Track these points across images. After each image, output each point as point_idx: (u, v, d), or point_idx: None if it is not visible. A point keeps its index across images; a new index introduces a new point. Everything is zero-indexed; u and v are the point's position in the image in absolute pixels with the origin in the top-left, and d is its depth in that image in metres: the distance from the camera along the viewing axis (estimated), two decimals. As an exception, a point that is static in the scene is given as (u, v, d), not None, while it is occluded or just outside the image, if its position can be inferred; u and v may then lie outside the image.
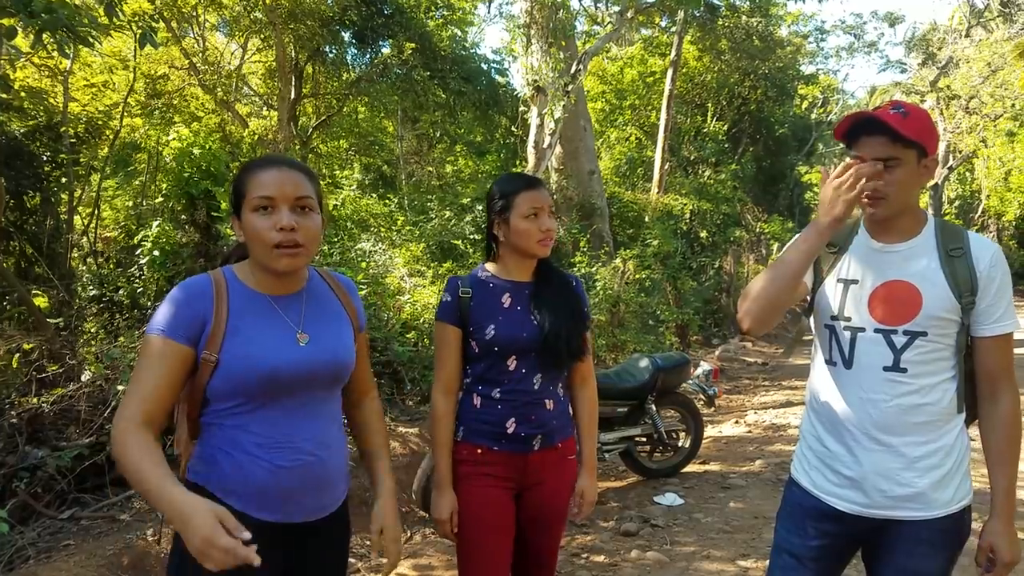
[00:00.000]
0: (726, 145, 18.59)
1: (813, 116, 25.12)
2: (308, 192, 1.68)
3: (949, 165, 27.42)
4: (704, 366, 5.84)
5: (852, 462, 1.88)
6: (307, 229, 1.67)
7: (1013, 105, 22.97)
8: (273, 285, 1.72)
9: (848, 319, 1.90)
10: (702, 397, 5.79)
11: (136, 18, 5.60)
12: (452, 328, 2.21)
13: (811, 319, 2.05)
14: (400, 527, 1.92)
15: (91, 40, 4.52)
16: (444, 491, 2.18)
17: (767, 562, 3.85)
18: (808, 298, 2.02)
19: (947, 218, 29.09)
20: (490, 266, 2.30)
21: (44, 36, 4.12)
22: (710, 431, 6.51)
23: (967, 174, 29.33)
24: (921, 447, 1.82)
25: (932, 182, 27.99)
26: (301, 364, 1.67)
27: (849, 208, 1.76)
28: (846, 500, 1.90)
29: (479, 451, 2.20)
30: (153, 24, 4.92)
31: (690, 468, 5.50)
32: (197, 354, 1.61)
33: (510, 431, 2.18)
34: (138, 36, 4.54)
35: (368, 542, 4.21)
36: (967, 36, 25.77)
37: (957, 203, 30.40)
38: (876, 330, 1.85)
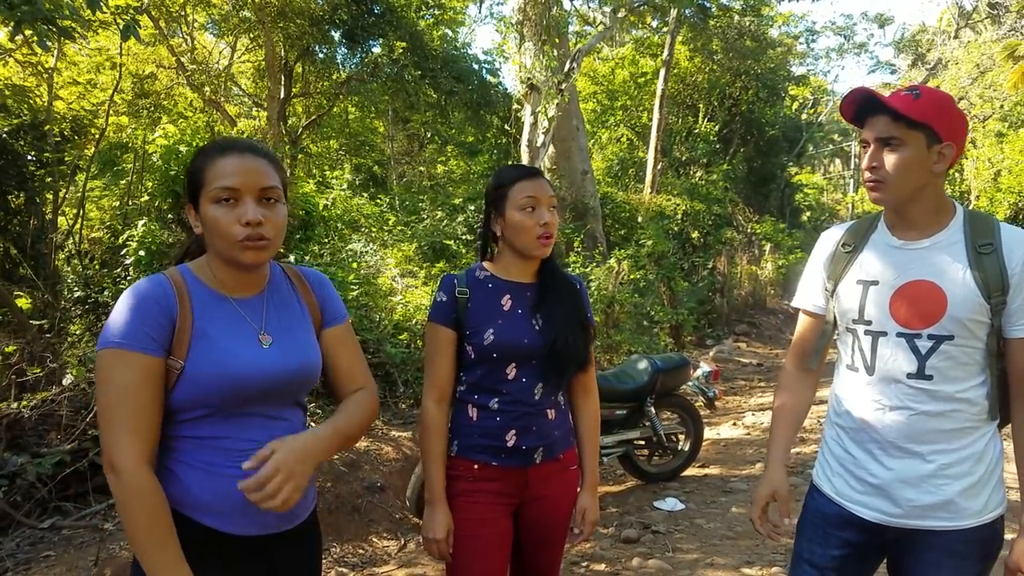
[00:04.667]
0: (717, 146, 18.59)
1: (803, 117, 25.15)
2: (274, 182, 1.55)
3: (939, 166, 27.42)
4: (704, 367, 5.74)
5: (878, 469, 1.77)
6: (274, 222, 1.53)
7: (1002, 106, 23.04)
8: (235, 284, 1.58)
9: (869, 322, 1.78)
10: (702, 399, 5.68)
11: (119, 11, 5.47)
12: (446, 330, 2.03)
13: (832, 324, 1.93)
14: (295, 457, 1.45)
15: (73, 34, 4.40)
16: (438, 507, 1.99)
17: (772, 569, 3.78)
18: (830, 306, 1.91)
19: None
20: (488, 265, 2.12)
21: (23, 29, 3.99)
22: (708, 433, 6.40)
23: (956, 175, 29.36)
24: (950, 454, 1.70)
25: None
26: (267, 369, 1.54)
27: None
28: (871, 508, 1.78)
29: (476, 467, 2.02)
30: (137, 17, 4.75)
31: (690, 472, 5.39)
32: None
33: (510, 444, 2.00)
34: (121, 29, 4.38)
35: (360, 550, 4.10)
36: (956, 37, 25.89)
37: (947, 204, 30.42)
38: (899, 334, 1.72)
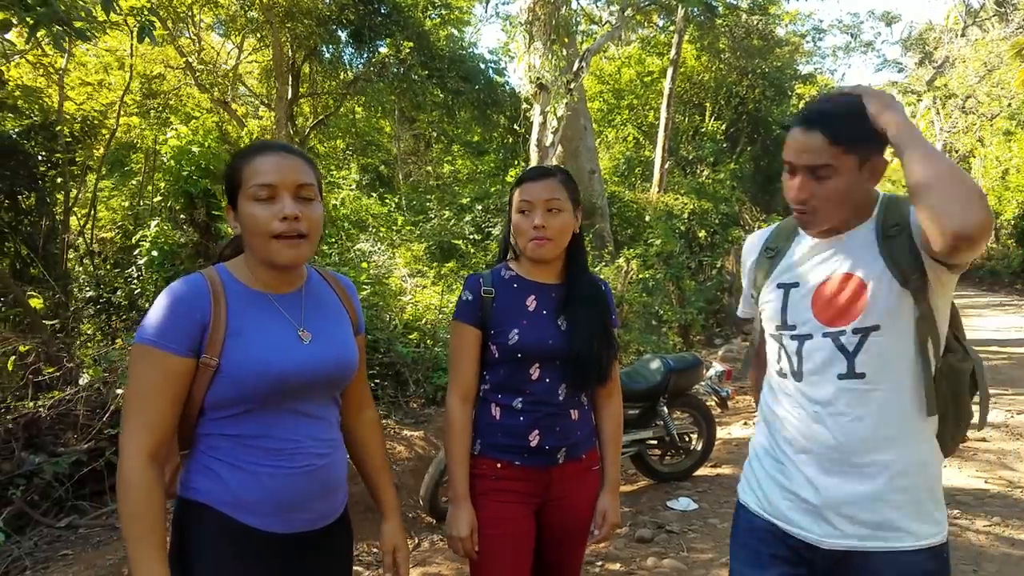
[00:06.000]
0: (724, 145, 18.58)
1: (810, 116, 25.04)
2: (310, 179, 1.58)
3: (946, 164, 27.42)
4: (716, 367, 5.73)
5: (809, 484, 1.61)
6: (310, 218, 1.56)
7: (1010, 104, 23.06)
8: (272, 282, 1.61)
9: (792, 327, 1.65)
10: (714, 399, 5.68)
11: (134, 12, 5.49)
12: (472, 329, 2.03)
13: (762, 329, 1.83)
14: (408, 546, 1.90)
15: (88, 35, 4.41)
16: (462, 506, 1.99)
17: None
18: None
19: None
20: (514, 265, 2.12)
21: (39, 31, 4.01)
22: (719, 433, 6.40)
23: (963, 174, 29.37)
24: (891, 466, 1.55)
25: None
26: (307, 365, 1.57)
27: None
28: (802, 527, 1.63)
29: (499, 466, 2.02)
30: (152, 18, 4.77)
31: (702, 471, 5.39)
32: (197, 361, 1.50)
33: (534, 444, 2.00)
34: (136, 31, 4.40)
35: (375, 550, 4.10)
36: (963, 36, 25.87)
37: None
38: (824, 334, 1.59)
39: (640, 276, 10.30)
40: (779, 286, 1.69)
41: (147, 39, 4.40)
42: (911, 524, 1.55)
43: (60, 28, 4.08)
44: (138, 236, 5.90)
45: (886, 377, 1.55)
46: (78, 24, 4.33)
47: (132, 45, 8.64)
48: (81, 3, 4.52)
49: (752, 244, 1.86)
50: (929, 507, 1.57)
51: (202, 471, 1.54)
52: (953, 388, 1.57)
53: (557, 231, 2.00)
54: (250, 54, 13.58)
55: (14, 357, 4.37)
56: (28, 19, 3.87)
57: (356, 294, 1.83)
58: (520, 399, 2.01)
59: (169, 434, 1.50)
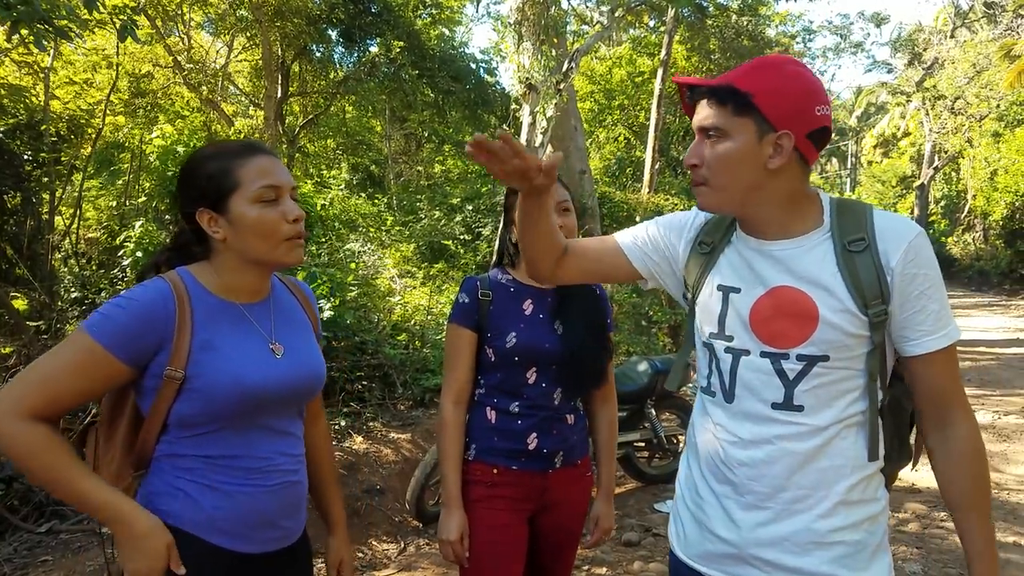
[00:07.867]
0: (715, 145, 18.56)
1: (801, 116, 25.09)
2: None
3: (935, 165, 27.65)
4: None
5: (730, 521, 1.41)
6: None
7: (998, 106, 23.15)
8: (245, 291, 1.55)
9: (730, 338, 1.41)
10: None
11: (117, 12, 5.46)
12: (468, 332, 2.03)
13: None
14: (353, 558, 1.86)
15: (70, 34, 4.38)
16: (453, 510, 1.97)
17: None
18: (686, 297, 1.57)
19: (933, 219, 29.23)
20: (510, 269, 2.12)
21: (20, 29, 3.97)
22: (707, 434, 6.41)
23: (953, 174, 29.55)
24: (820, 505, 1.35)
25: (918, 183, 28.20)
26: (282, 380, 1.52)
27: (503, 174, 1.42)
28: (724, 573, 1.43)
29: (494, 471, 2.00)
30: (135, 18, 4.73)
31: (689, 473, 5.38)
32: (142, 375, 1.42)
33: (531, 447, 1.99)
34: (118, 29, 4.37)
35: (359, 554, 4.08)
36: (952, 37, 26.01)
37: (943, 203, 30.60)
38: (763, 354, 1.37)
39: (630, 277, 10.29)
40: (719, 288, 1.44)
41: (130, 38, 4.37)
42: (843, 573, 1.35)
43: (42, 27, 4.04)
44: (122, 237, 5.85)
45: (827, 412, 1.35)
46: (60, 23, 4.30)
47: (119, 44, 8.58)
48: (64, 1, 4.48)
49: (683, 222, 1.57)
50: (862, 556, 1.37)
51: (172, 493, 1.47)
52: (898, 423, 1.42)
53: (571, 229, 2.04)
54: (240, 53, 13.54)
55: (-4, 359, 4.33)
56: (8, 17, 3.83)
57: (315, 300, 1.79)
58: (517, 403, 2.01)
59: (60, 413, 1.37)
